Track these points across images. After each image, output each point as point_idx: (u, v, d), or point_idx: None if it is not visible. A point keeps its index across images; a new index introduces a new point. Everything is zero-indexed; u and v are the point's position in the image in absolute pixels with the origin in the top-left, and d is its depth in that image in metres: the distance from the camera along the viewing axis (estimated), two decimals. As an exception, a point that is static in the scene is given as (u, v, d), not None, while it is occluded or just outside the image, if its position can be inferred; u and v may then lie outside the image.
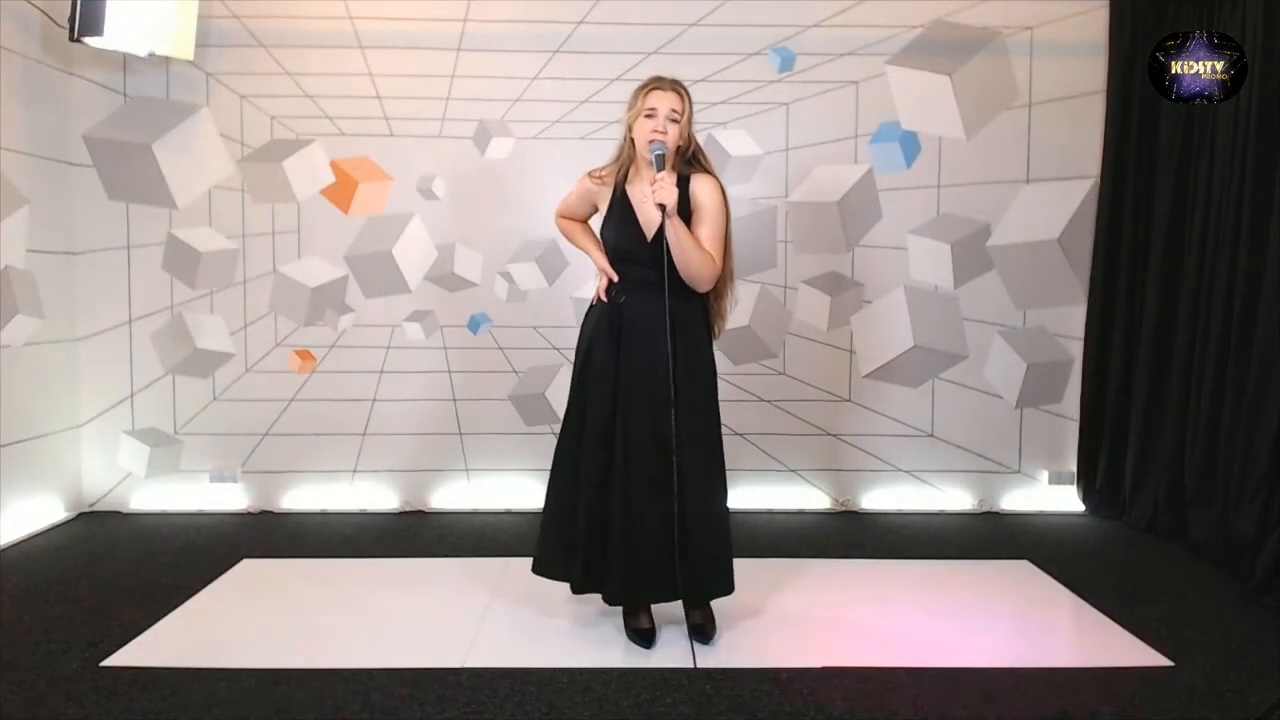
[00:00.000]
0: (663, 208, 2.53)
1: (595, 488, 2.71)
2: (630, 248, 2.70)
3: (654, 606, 2.82)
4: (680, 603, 2.80)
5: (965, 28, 4.05)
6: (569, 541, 2.78)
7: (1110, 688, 2.49)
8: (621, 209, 2.72)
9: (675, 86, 2.65)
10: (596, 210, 2.87)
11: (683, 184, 2.67)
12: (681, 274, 2.62)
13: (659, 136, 2.59)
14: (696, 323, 2.73)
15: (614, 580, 2.72)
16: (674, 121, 2.61)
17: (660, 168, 2.56)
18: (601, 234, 2.82)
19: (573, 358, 2.86)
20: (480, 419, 4.20)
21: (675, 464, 2.62)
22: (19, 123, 3.68)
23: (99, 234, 4.03)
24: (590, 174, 2.82)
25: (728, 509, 2.82)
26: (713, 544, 2.73)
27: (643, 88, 2.66)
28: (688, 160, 2.72)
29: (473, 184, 4.13)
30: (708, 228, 2.66)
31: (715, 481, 2.76)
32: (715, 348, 2.84)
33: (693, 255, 2.60)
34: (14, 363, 3.68)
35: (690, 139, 2.71)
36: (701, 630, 2.78)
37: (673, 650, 2.71)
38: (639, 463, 2.67)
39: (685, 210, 2.67)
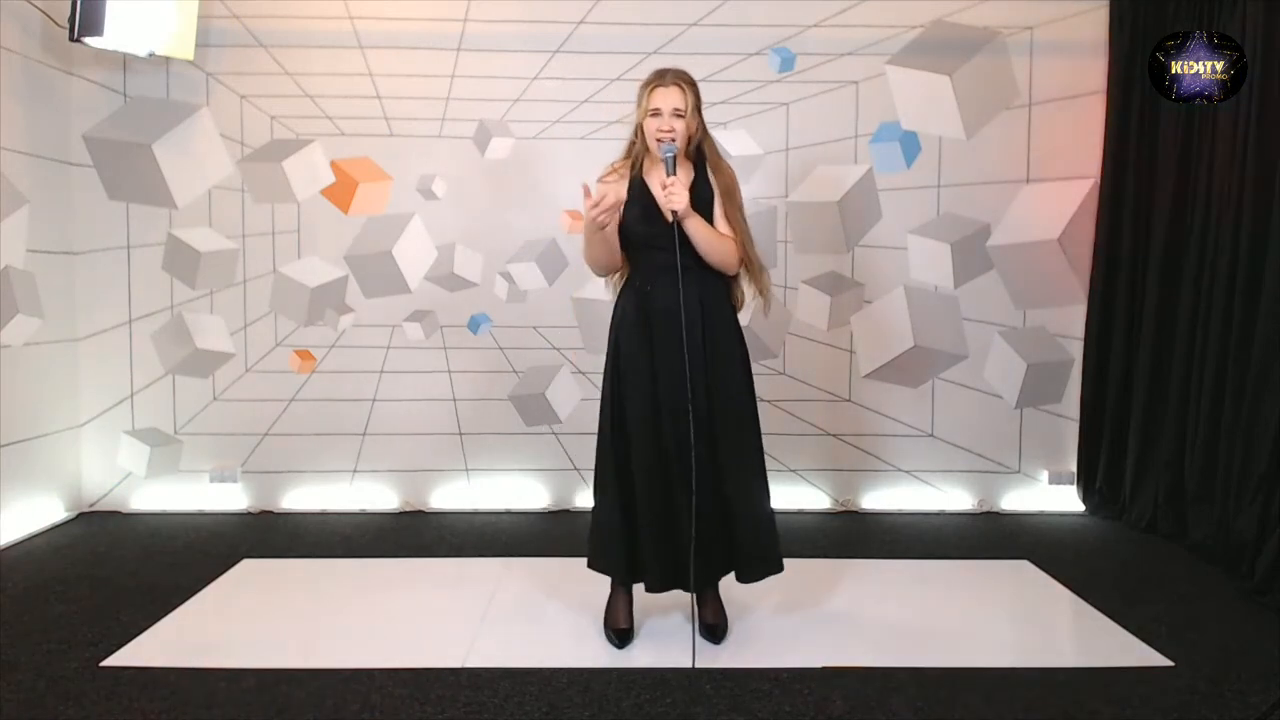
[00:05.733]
0: (674, 213, 2.55)
1: (652, 477, 2.68)
2: (652, 231, 2.67)
3: (657, 607, 2.81)
4: (691, 603, 2.77)
5: (965, 28, 4.05)
6: (630, 537, 2.72)
7: (1110, 688, 2.49)
8: (641, 197, 2.70)
9: (677, 80, 2.62)
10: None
11: (699, 172, 2.70)
12: (711, 263, 2.66)
13: (666, 135, 2.59)
14: (724, 304, 2.75)
15: (653, 568, 2.69)
16: (679, 117, 2.60)
17: (671, 170, 2.56)
18: (622, 224, 2.72)
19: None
20: (480, 419, 4.19)
21: (694, 453, 2.58)
22: (19, 123, 3.69)
23: (99, 234, 4.03)
24: (600, 180, 2.76)
25: (766, 491, 2.79)
26: (751, 529, 2.70)
27: (647, 84, 2.65)
28: (698, 148, 2.71)
29: (473, 184, 4.13)
30: (724, 214, 2.70)
31: (750, 462, 2.74)
32: None
33: (716, 245, 2.65)
34: (14, 363, 3.68)
35: (699, 128, 2.69)
36: (713, 631, 2.77)
37: (672, 650, 2.71)
38: (680, 448, 2.64)
39: (708, 199, 2.69)
